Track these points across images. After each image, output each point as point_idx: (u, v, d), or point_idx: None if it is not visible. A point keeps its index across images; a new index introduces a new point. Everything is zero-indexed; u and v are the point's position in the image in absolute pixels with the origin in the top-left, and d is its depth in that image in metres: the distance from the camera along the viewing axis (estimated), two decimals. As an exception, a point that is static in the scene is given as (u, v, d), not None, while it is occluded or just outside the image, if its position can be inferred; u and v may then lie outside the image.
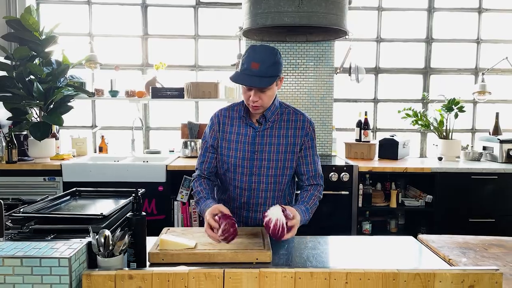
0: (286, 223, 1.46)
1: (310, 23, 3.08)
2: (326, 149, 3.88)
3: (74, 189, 1.73)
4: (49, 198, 1.60)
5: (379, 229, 3.53)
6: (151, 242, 1.51)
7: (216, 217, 1.45)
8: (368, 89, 4.05)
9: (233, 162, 1.70)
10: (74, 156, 3.55)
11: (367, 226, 3.41)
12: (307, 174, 1.73)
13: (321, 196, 1.78)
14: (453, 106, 3.51)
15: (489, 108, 4.08)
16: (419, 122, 3.70)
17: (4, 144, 3.18)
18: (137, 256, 1.29)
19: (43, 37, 3.20)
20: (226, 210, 1.51)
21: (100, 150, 3.83)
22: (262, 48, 1.57)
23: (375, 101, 4.09)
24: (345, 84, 3.94)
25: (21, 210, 1.37)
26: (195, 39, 3.97)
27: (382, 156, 3.66)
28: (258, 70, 1.50)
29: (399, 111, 3.72)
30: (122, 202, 1.55)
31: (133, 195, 1.33)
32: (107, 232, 1.17)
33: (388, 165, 3.31)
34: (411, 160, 3.71)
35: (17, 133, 3.28)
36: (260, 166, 1.68)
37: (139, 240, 1.30)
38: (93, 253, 1.18)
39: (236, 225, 1.44)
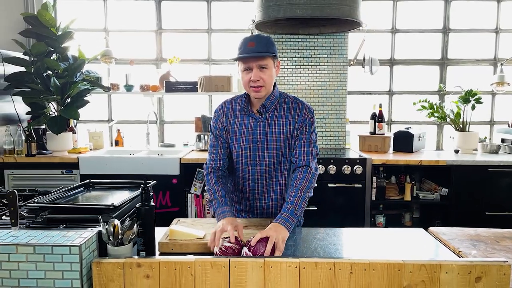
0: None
1: (323, 15, 3.05)
2: (340, 142, 3.86)
3: (88, 180, 1.78)
4: (63, 189, 1.64)
5: (393, 223, 3.50)
6: (161, 233, 1.54)
7: (228, 243, 1.38)
8: (382, 81, 4.00)
9: (236, 152, 1.75)
10: (91, 150, 3.63)
11: (380, 219, 3.38)
12: (298, 156, 1.70)
13: (313, 183, 1.68)
14: (470, 97, 3.44)
15: (508, 100, 3.98)
16: (435, 114, 3.64)
17: (23, 137, 3.27)
18: (146, 246, 1.32)
19: (60, 33, 3.27)
20: (240, 227, 1.47)
21: (116, 143, 3.90)
22: (256, 35, 1.71)
23: (390, 93, 4.04)
24: (359, 76, 3.90)
25: (35, 200, 1.42)
26: (208, 33, 3.99)
27: (396, 149, 3.62)
28: (255, 47, 1.61)
29: (414, 103, 3.66)
30: (133, 193, 1.58)
31: (141, 186, 1.36)
32: (116, 222, 1.20)
33: (402, 158, 3.27)
34: (426, 153, 3.66)
35: (35, 127, 3.36)
36: (262, 155, 1.73)
37: (148, 229, 1.33)
38: (103, 242, 1.22)
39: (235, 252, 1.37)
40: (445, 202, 3.26)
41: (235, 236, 1.39)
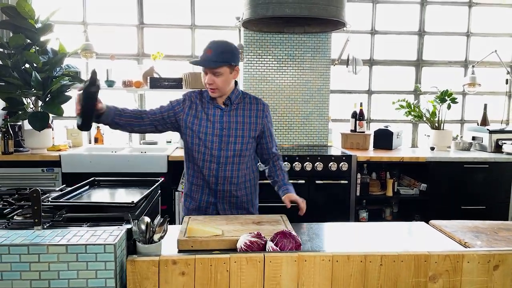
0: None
1: (311, 15, 3.10)
2: (322, 139, 3.94)
3: (92, 178, 1.73)
4: (69, 188, 1.59)
5: (374, 217, 3.63)
6: (173, 230, 1.52)
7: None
8: (361, 80, 4.13)
9: (203, 138, 1.92)
10: (70, 147, 3.50)
11: (364, 214, 3.50)
12: (272, 148, 2.07)
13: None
14: (446, 97, 3.62)
15: (476, 100, 4.22)
16: (412, 113, 3.80)
17: (-1, 134, 3.10)
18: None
19: (39, 25, 3.12)
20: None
21: (96, 141, 3.78)
22: (218, 40, 1.88)
23: (369, 92, 4.17)
24: (340, 75, 4.00)
25: (49, 199, 1.37)
26: (191, 29, 3.94)
27: (377, 146, 3.75)
28: (211, 55, 1.81)
29: (393, 102, 3.81)
30: (146, 191, 1.55)
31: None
32: (148, 219, 1.19)
33: (385, 155, 3.40)
34: (404, 150, 3.82)
35: (11, 123, 3.20)
36: (227, 142, 1.92)
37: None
38: (131, 240, 1.20)
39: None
40: (424, 197, 3.41)
41: (258, 232, 1.40)
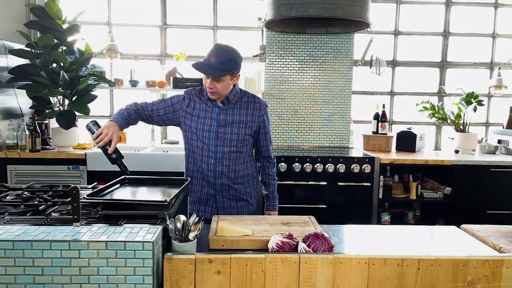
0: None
1: (335, 15, 3.09)
2: (343, 141, 3.91)
3: (123, 177, 1.75)
4: (101, 186, 1.61)
5: (396, 221, 3.58)
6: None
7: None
8: (384, 81, 4.08)
9: (200, 134, 1.99)
10: (94, 146, 3.55)
11: (386, 217, 3.46)
12: (267, 147, 2.14)
13: (275, 172, 2.21)
14: (472, 99, 3.55)
15: (501, 103, 4.13)
16: (436, 115, 3.74)
17: (27, 132, 3.17)
18: None
19: (66, 25, 3.18)
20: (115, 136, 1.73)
21: (119, 139, 3.82)
22: (223, 47, 1.92)
23: (392, 93, 4.12)
24: (361, 76, 3.96)
25: (84, 196, 1.39)
26: (213, 29, 3.96)
27: (399, 149, 3.71)
28: (214, 63, 1.85)
29: (417, 104, 3.76)
30: (176, 189, 1.57)
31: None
32: (184, 218, 1.19)
33: (409, 157, 3.35)
34: (427, 152, 3.76)
35: (38, 122, 3.27)
36: (224, 138, 1.98)
37: None
38: (166, 238, 1.20)
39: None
40: (448, 201, 3.35)
41: (290, 232, 1.40)
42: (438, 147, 4.19)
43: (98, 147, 1.70)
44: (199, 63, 1.89)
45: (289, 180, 3.21)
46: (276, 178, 2.22)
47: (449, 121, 3.75)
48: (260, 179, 2.21)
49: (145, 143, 3.77)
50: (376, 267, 1.14)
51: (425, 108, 3.75)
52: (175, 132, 4.05)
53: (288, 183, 3.21)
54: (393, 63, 4.07)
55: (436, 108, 3.73)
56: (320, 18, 3.34)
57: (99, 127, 1.75)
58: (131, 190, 1.65)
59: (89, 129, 1.78)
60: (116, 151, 1.70)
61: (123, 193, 1.58)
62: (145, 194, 1.60)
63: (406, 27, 4.05)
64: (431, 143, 4.19)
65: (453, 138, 3.81)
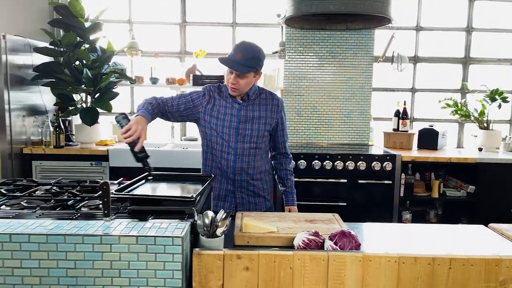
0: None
1: (356, 11, 3.05)
2: (363, 138, 3.87)
3: (147, 173, 1.76)
4: (127, 182, 1.63)
5: (418, 219, 3.53)
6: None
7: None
8: (404, 78, 4.01)
9: (220, 130, 2.00)
10: (116, 142, 3.60)
11: (407, 215, 3.41)
12: (283, 144, 2.16)
13: (292, 167, 2.24)
14: (497, 96, 3.47)
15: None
16: (459, 112, 3.67)
17: (51, 129, 3.23)
18: None
19: (88, 23, 3.23)
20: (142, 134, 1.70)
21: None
22: (249, 44, 1.94)
23: (413, 90, 4.06)
24: (382, 72, 3.91)
25: (113, 192, 1.41)
26: (232, 26, 3.96)
27: (421, 146, 3.65)
28: (240, 59, 1.87)
29: (439, 101, 3.69)
30: (198, 186, 1.58)
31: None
32: (212, 214, 1.20)
33: (431, 155, 3.30)
34: (450, 150, 3.70)
35: (62, 119, 3.33)
36: (244, 134, 2.00)
37: None
38: (193, 233, 1.21)
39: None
40: (471, 199, 3.29)
41: (316, 230, 1.39)
42: (461, 145, 4.11)
43: (125, 143, 1.69)
44: (225, 58, 1.90)
45: (308, 178, 3.20)
46: (293, 173, 2.24)
47: (472, 118, 3.67)
48: (277, 175, 2.22)
49: (165, 140, 3.80)
50: (406, 266, 1.12)
51: (448, 105, 3.68)
52: (194, 129, 4.07)
53: (307, 181, 3.20)
54: (415, 59, 4.00)
55: (459, 105, 3.66)
56: (340, 14, 3.31)
57: (129, 121, 1.72)
58: (156, 186, 1.66)
59: (118, 121, 1.73)
60: (142, 149, 1.68)
61: (148, 189, 1.60)
62: (170, 190, 1.62)
63: (428, 23, 3.97)
64: (453, 141, 4.11)
65: (476, 136, 3.73)
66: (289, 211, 2.17)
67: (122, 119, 1.73)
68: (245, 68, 1.87)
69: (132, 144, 1.66)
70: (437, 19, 3.97)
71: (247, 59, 1.87)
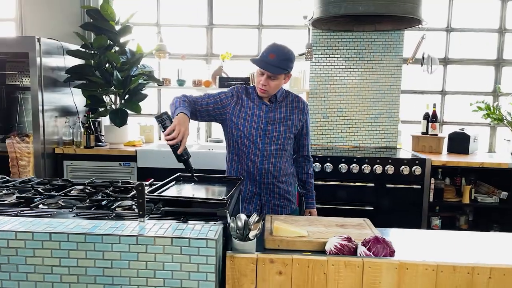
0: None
1: (387, 12, 3.00)
2: (391, 141, 3.81)
3: (178, 174, 1.78)
4: (159, 183, 1.65)
5: (447, 225, 3.44)
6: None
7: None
8: (434, 80, 3.92)
9: (248, 131, 1.99)
10: (143, 143, 3.66)
11: (436, 221, 3.33)
12: (306, 147, 2.17)
13: (313, 170, 2.26)
14: (532, 99, 3.35)
15: None
16: (492, 116, 3.56)
17: (82, 130, 3.31)
18: None
19: (118, 27, 3.30)
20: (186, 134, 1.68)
21: (166, 137, 3.92)
22: (281, 46, 1.93)
23: (443, 93, 3.96)
24: (410, 74, 3.83)
25: (146, 193, 1.43)
26: (258, 29, 3.97)
27: (451, 150, 3.56)
28: (273, 60, 1.86)
29: (471, 104, 3.59)
30: (227, 188, 1.58)
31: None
32: (244, 216, 1.20)
33: (462, 160, 3.21)
34: (481, 155, 3.59)
35: (92, 119, 3.41)
36: (272, 136, 2.00)
37: None
38: (225, 236, 1.21)
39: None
40: (504, 206, 3.18)
41: (348, 235, 1.37)
42: (493, 149, 3.98)
43: (168, 145, 1.66)
44: (257, 59, 1.91)
45: (334, 181, 3.17)
46: (314, 176, 2.26)
47: (505, 122, 3.55)
48: (298, 178, 2.22)
49: (191, 141, 3.84)
50: (444, 274, 1.09)
51: (480, 108, 3.57)
52: (219, 131, 4.10)
53: (333, 184, 3.16)
54: (445, 61, 3.91)
55: (492, 108, 3.55)
56: (369, 15, 3.26)
57: (171, 121, 1.68)
58: (186, 188, 1.68)
59: (162, 121, 1.68)
60: (184, 150, 1.66)
61: (179, 190, 1.61)
62: (200, 191, 1.63)
63: (459, 24, 3.87)
64: (484, 145, 3.98)
65: (509, 140, 3.61)
66: (310, 214, 2.20)
67: (166, 119, 1.68)
68: (278, 70, 1.87)
69: (174, 146, 1.64)
70: (468, 20, 3.87)
71: (279, 60, 1.87)
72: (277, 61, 1.86)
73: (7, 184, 1.69)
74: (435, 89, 3.95)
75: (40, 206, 1.41)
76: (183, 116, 1.73)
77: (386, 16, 3.29)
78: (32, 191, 1.58)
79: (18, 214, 1.29)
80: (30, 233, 1.12)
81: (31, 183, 1.71)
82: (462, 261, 1.13)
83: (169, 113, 1.77)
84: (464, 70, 3.94)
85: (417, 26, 3.33)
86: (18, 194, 1.53)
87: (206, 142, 3.95)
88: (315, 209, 2.22)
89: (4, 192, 1.56)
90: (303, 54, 3.61)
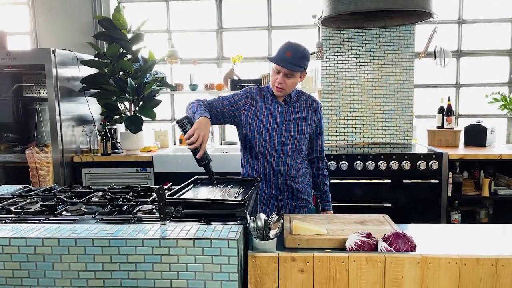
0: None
1: (395, 7, 2.98)
2: (406, 137, 3.77)
3: (196, 177, 1.80)
4: (177, 186, 1.67)
5: (467, 219, 3.39)
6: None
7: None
8: (448, 73, 3.87)
9: (263, 132, 1.99)
10: (159, 148, 3.70)
11: (456, 216, 3.28)
12: (320, 147, 2.16)
13: (327, 172, 2.24)
14: (550, 88, 3.28)
15: None
16: (508, 107, 3.50)
17: (98, 137, 3.37)
18: None
19: (130, 35, 3.35)
20: (205, 138, 1.67)
21: (180, 142, 3.96)
22: (297, 44, 1.93)
23: (457, 85, 3.91)
24: (423, 68, 3.79)
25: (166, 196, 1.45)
26: (268, 30, 3.99)
27: (468, 143, 3.51)
28: (290, 58, 1.86)
29: (486, 96, 3.54)
30: (245, 189, 1.60)
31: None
32: (264, 216, 1.21)
33: (480, 152, 3.16)
34: (499, 147, 3.53)
35: (108, 127, 3.46)
36: (287, 136, 1.99)
37: None
38: (245, 236, 1.23)
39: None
40: (525, 198, 3.12)
41: (368, 231, 1.37)
42: (510, 141, 3.91)
43: (188, 149, 1.66)
44: (274, 57, 1.90)
45: (350, 179, 3.15)
46: (328, 177, 2.24)
47: (523, 112, 3.49)
48: (312, 180, 2.19)
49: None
50: (468, 267, 1.08)
51: (496, 100, 3.52)
52: (233, 133, 4.12)
53: (350, 182, 3.15)
54: (458, 54, 3.86)
55: (508, 99, 3.49)
56: (378, 11, 3.25)
57: (191, 124, 1.68)
58: (205, 190, 1.69)
59: (182, 126, 1.68)
60: (205, 154, 1.65)
61: (198, 193, 1.63)
62: (218, 193, 1.64)
63: (471, 15, 3.82)
64: (502, 137, 3.92)
65: (528, 131, 3.55)
66: None
67: (187, 123, 1.68)
68: (295, 67, 1.86)
69: (195, 151, 1.65)
70: (480, 11, 3.81)
71: (296, 58, 1.86)
72: (293, 58, 1.86)
73: (31, 193, 1.74)
74: (449, 82, 3.91)
75: (64, 213, 1.45)
76: (204, 119, 1.73)
77: (396, 11, 3.27)
78: (55, 198, 1.62)
79: (43, 221, 1.33)
80: (56, 239, 1.15)
81: (53, 191, 1.75)
82: (487, 253, 1.12)
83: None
84: (477, 62, 3.88)
85: (428, 20, 3.30)
86: (41, 202, 1.57)
87: (220, 145, 3.98)
88: (332, 211, 2.19)
89: (28, 200, 1.61)
90: (313, 53, 3.60)
